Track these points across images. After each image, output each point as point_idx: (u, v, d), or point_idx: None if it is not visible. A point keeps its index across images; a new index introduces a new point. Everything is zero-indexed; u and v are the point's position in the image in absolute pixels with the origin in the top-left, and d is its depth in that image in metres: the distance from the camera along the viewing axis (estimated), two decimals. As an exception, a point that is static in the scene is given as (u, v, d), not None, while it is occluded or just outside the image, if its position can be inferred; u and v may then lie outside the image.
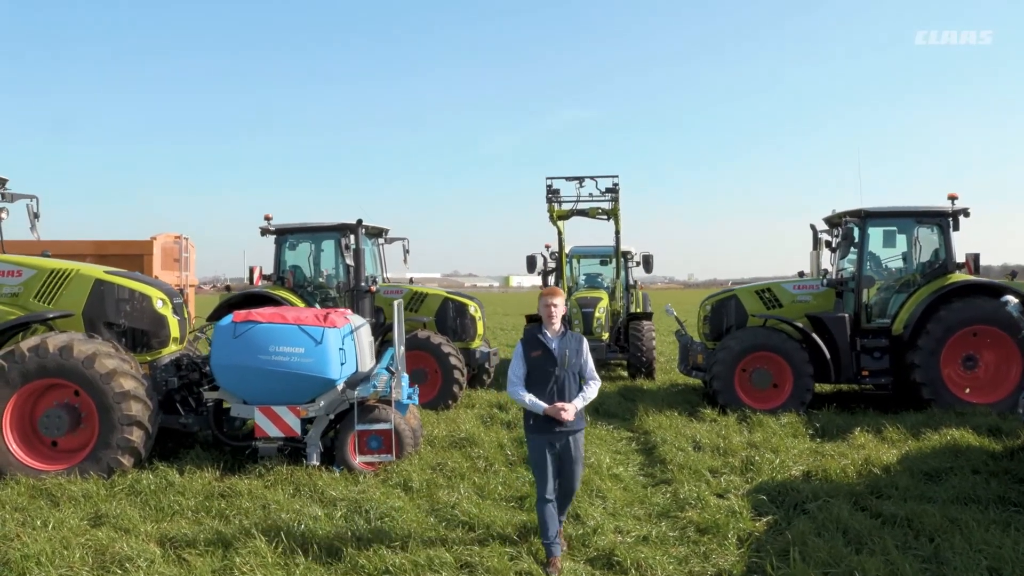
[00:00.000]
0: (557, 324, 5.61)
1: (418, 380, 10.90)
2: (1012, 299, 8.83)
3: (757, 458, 8.32)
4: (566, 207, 14.70)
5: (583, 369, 5.66)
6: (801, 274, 13.22)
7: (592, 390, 5.67)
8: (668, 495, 7.31)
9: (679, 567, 5.54)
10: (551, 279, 18.42)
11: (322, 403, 8.16)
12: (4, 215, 9.14)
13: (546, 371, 5.50)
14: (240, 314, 8.26)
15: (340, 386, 8.18)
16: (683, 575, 5.46)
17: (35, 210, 9.44)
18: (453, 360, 12.20)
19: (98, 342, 8.16)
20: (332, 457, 8.24)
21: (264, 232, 13.29)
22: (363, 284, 12.63)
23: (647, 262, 17.64)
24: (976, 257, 11.58)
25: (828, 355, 11.38)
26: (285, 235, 13.32)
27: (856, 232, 11.67)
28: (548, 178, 14.45)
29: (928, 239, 11.99)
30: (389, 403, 8.28)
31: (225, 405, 8.63)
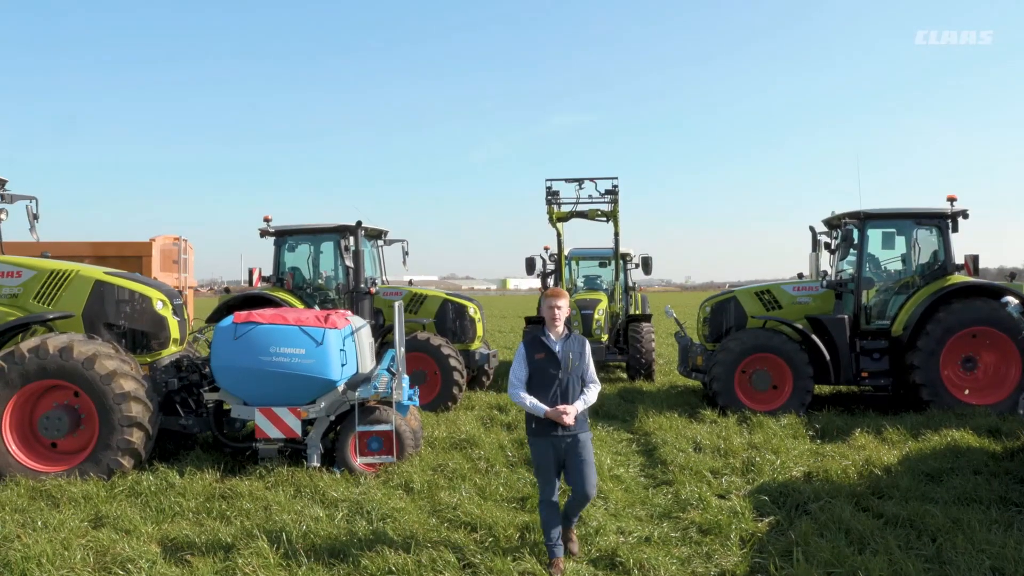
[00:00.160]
0: (561, 326, 5.53)
1: (418, 382, 10.90)
2: (1012, 300, 8.86)
3: (758, 459, 8.32)
4: (565, 209, 14.70)
5: (585, 372, 5.57)
6: (800, 276, 13.24)
7: (592, 393, 5.57)
8: (669, 496, 7.30)
9: (682, 567, 5.54)
10: (550, 281, 18.42)
11: (323, 404, 8.15)
12: (3, 216, 9.13)
13: (549, 374, 5.42)
14: (241, 315, 8.24)
15: (341, 387, 8.17)
16: (686, 575, 5.46)
17: (34, 211, 9.42)
18: (453, 362, 12.20)
19: (98, 343, 8.14)
20: (332, 458, 8.23)
21: (263, 234, 13.28)
22: (363, 286, 12.63)
23: (646, 264, 17.65)
24: (975, 259, 11.60)
25: (828, 357, 11.40)
26: (284, 237, 13.31)
27: (855, 234, 11.69)
28: (548, 180, 14.46)
29: (927, 241, 12.03)
30: (390, 404, 8.27)
31: (225, 406, 8.62)
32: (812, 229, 13.25)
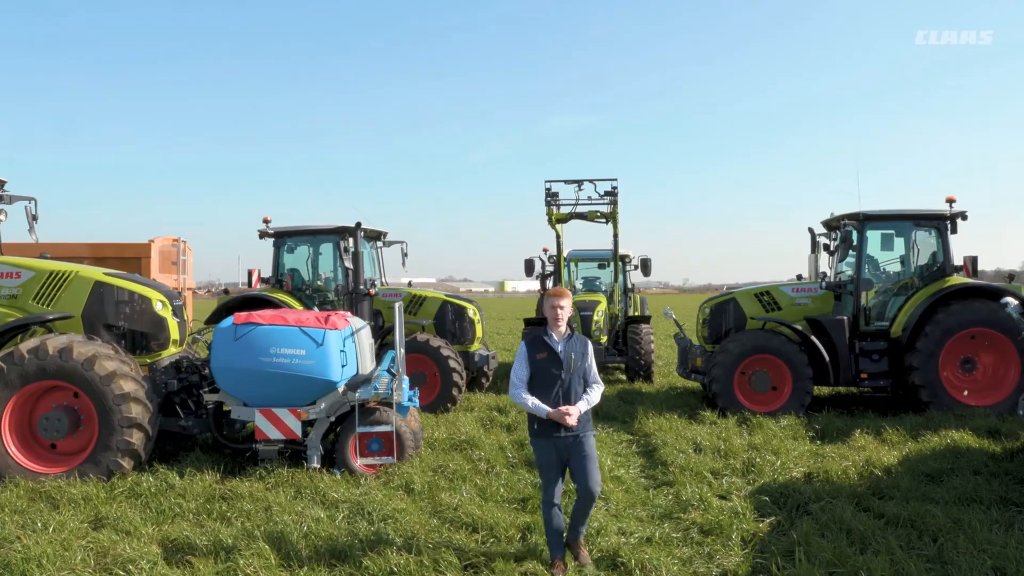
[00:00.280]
0: (563, 326, 5.48)
1: (417, 383, 10.88)
2: (1012, 301, 8.87)
3: (758, 460, 8.33)
4: (565, 210, 14.71)
5: (587, 373, 5.51)
6: (799, 277, 13.26)
7: (595, 394, 5.51)
8: (670, 497, 7.30)
9: (683, 568, 5.53)
10: (549, 283, 18.42)
11: (323, 405, 8.14)
12: (3, 217, 9.12)
13: (551, 374, 5.37)
14: (241, 316, 8.23)
15: (341, 388, 8.16)
16: (687, 575, 5.45)
17: (33, 212, 9.40)
18: (452, 363, 12.19)
19: (98, 344, 8.12)
20: (332, 460, 8.21)
21: (262, 235, 13.27)
22: (362, 287, 12.63)
23: (645, 266, 17.66)
24: (974, 260, 11.63)
25: (827, 358, 11.41)
26: (283, 238, 13.30)
27: (854, 235, 11.71)
28: (547, 181, 14.48)
29: (926, 242, 12.05)
30: (390, 405, 8.26)
31: (225, 407, 8.61)
32: (811, 231, 13.27)
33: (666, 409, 11.66)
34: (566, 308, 5.48)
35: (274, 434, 8.11)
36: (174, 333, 8.99)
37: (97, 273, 8.82)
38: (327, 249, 13.51)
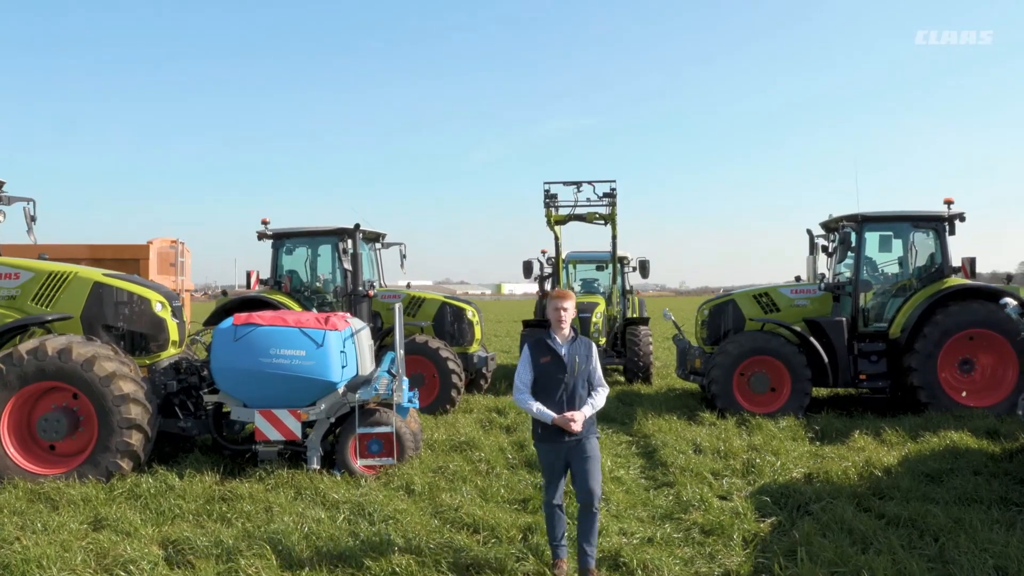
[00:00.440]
0: (567, 329, 5.37)
1: (416, 384, 10.87)
2: (1011, 302, 8.89)
3: (758, 461, 8.34)
4: (563, 212, 14.71)
5: (591, 376, 5.41)
6: (798, 279, 13.28)
7: (600, 397, 5.41)
8: (671, 497, 7.30)
9: (685, 568, 5.53)
10: (547, 285, 18.42)
11: (323, 406, 8.13)
12: (1, 218, 9.09)
13: (555, 378, 5.27)
14: (241, 317, 8.22)
15: (341, 389, 8.14)
16: (689, 575, 5.45)
17: (32, 213, 9.40)
18: (451, 364, 12.19)
19: (97, 345, 8.11)
20: (332, 461, 8.20)
21: (261, 236, 13.26)
22: (361, 288, 12.62)
23: (643, 267, 17.67)
24: (972, 261, 11.65)
25: (826, 359, 11.43)
26: (282, 240, 13.29)
27: (853, 237, 11.73)
28: (546, 182, 14.48)
29: (924, 243, 12.08)
30: (390, 406, 8.25)
31: (225, 408, 8.59)
32: (809, 232, 13.29)
33: (665, 410, 11.66)
34: (570, 310, 5.37)
35: (274, 435, 8.10)
36: (173, 334, 8.97)
37: (96, 274, 8.81)
38: (326, 251, 13.51)
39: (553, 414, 5.20)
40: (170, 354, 9.02)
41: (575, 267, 18.87)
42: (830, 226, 12.75)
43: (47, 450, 8.04)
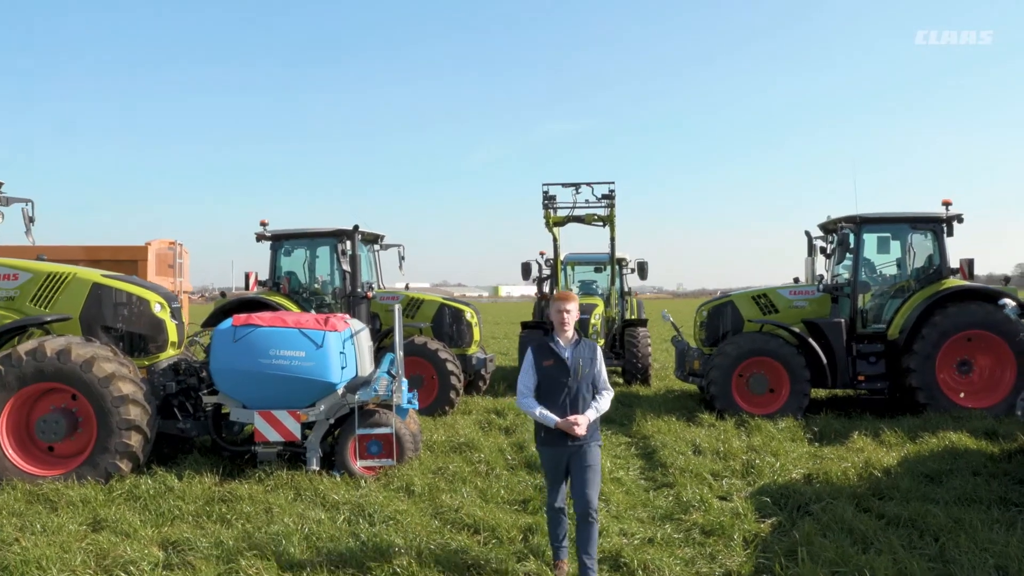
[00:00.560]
0: (570, 331, 5.29)
1: (415, 386, 10.86)
2: (1010, 302, 8.92)
3: (758, 461, 8.34)
4: (562, 213, 14.71)
5: (596, 379, 5.31)
6: (796, 280, 13.31)
7: (605, 401, 5.33)
8: (670, 498, 7.30)
9: (686, 568, 5.53)
10: (546, 286, 18.42)
11: (322, 407, 8.12)
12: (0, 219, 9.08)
13: (558, 381, 5.18)
14: (240, 318, 8.21)
15: (340, 390, 8.13)
16: (690, 575, 5.46)
17: (30, 214, 9.37)
18: (450, 366, 12.18)
19: (96, 346, 8.09)
20: (331, 462, 8.19)
21: (260, 238, 13.24)
22: (359, 290, 12.61)
23: (642, 269, 17.66)
24: (970, 262, 11.68)
25: (824, 360, 11.44)
26: (281, 241, 13.28)
27: (851, 238, 11.75)
28: (545, 184, 14.48)
29: (922, 245, 12.10)
30: (389, 408, 8.24)
31: (224, 410, 8.58)
32: (808, 234, 13.33)
33: (664, 412, 11.67)
34: (573, 312, 5.28)
35: (273, 436, 8.09)
36: (172, 335, 8.96)
37: (95, 275, 8.79)
38: (324, 252, 13.49)
39: (556, 418, 5.12)
40: (169, 355, 9.00)
41: (573, 269, 18.88)
42: (828, 227, 12.78)
43: (46, 451, 8.02)
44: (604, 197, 14.48)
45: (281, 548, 5.74)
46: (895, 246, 12.30)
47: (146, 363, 8.74)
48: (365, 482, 7.66)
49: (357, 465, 8.04)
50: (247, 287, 12.96)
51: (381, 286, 14.32)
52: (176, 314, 9.17)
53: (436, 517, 6.63)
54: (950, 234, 11.75)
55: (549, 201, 14.58)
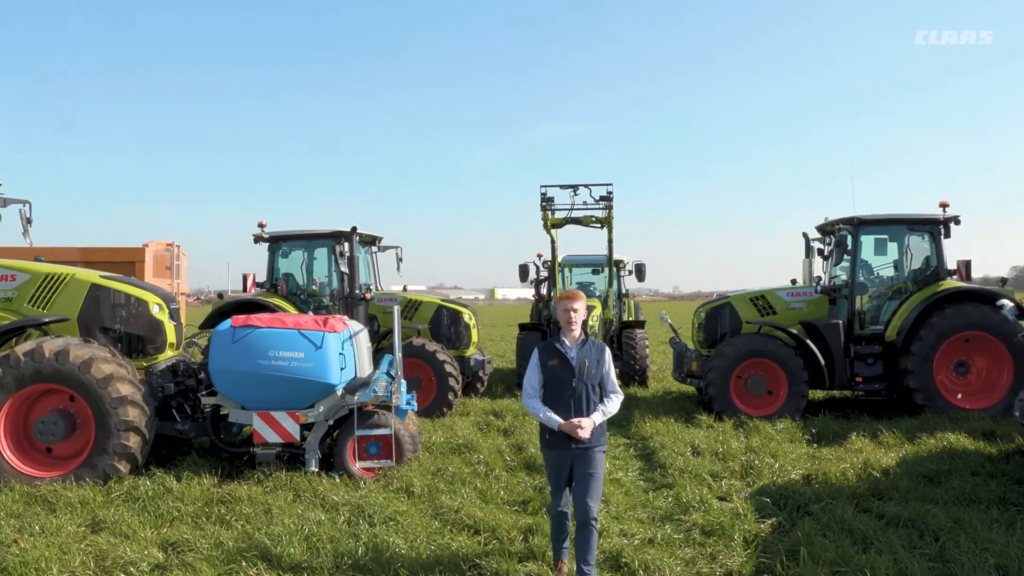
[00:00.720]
0: (577, 330, 5.17)
1: (413, 387, 10.84)
2: (1008, 303, 8.94)
3: (757, 462, 8.35)
4: (560, 215, 14.70)
5: (604, 381, 5.20)
6: (794, 282, 13.34)
7: (613, 404, 5.18)
8: (670, 499, 7.31)
9: (687, 568, 5.54)
10: (543, 288, 18.42)
11: (321, 408, 8.11)
12: (-3, 220, 9.07)
13: (563, 382, 5.08)
14: (239, 319, 8.19)
15: (339, 391, 8.13)
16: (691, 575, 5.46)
17: (28, 215, 9.38)
18: (448, 368, 12.18)
19: (95, 347, 8.07)
20: (330, 464, 8.17)
21: (258, 239, 13.22)
22: (357, 291, 12.60)
23: (639, 271, 17.67)
24: (968, 264, 11.71)
25: (822, 362, 11.46)
26: (279, 243, 13.26)
27: (849, 240, 11.78)
28: (542, 186, 14.45)
29: (920, 246, 12.13)
30: (388, 409, 8.24)
31: (223, 411, 8.56)
32: (805, 235, 13.36)
33: (662, 413, 11.67)
34: (580, 311, 5.18)
35: (272, 437, 8.07)
36: (171, 336, 8.94)
37: (93, 276, 8.77)
38: (322, 254, 13.47)
39: (560, 419, 5.03)
40: (167, 356, 8.98)
41: (571, 271, 18.88)
42: (826, 229, 12.81)
43: (43, 453, 8.00)
44: (602, 199, 14.47)
45: (281, 549, 5.73)
46: (892, 248, 12.33)
47: (144, 364, 8.72)
48: (364, 483, 7.65)
49: (356, 466, 8.03)
50: (245, 289, 12.94)
51: (379, 288, 14.32)
52: (174, 315, 9.16)
53: (436, 518, 6.62)
54: (947, 236, 11.79)
55: (547, 203, 14.55)
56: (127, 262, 14.39)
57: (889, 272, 12.43)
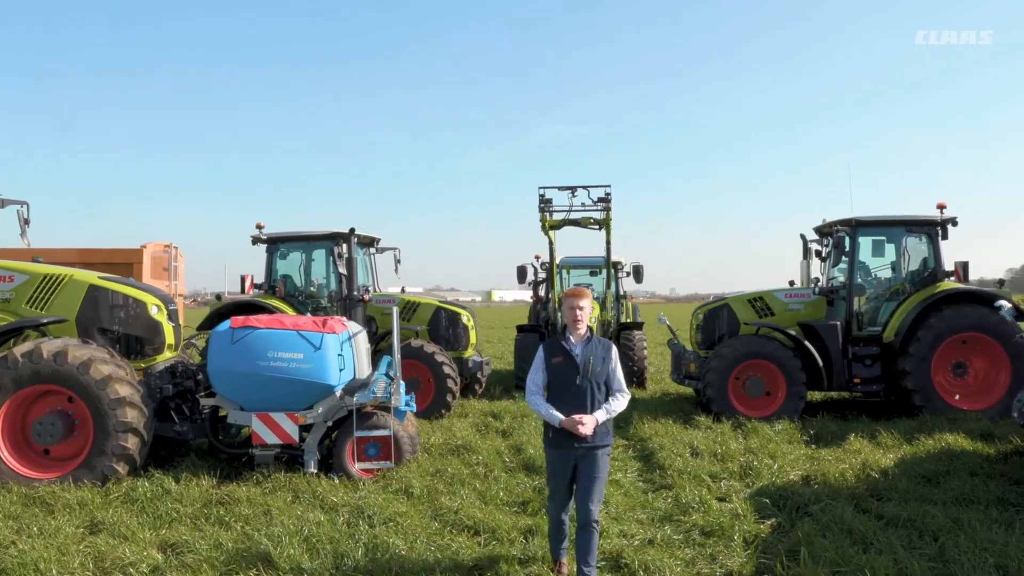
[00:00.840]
0: (583, 328, 5.13)
1: (411, 389, 10.85)
2: (1006, 304, 8.95)
3: (755, 463, 8.36)
4: (558, 216, 14.70)
5: (610, 379, 5.13)
6: (791, 283, 13.36)
7: (618, 403, 5.11)
8: (669, 500, 7.31)
9: (687, 569, 5.54)
10: (541, 290, 18.44)
11: (320, 410, 8.10)
12: (-5, 220, 9.05)
13: (567, 380, 5.04)
14: (238, 320, 8.18)
15: (339, 392, 8.12)
16: (692, 576, 5.46)
17: (25, 216, 9.36)
18: (446, 369, 12.17)
19: (93, 348, 8.05)
20: (329, 465, 8.16)
21: (255, 241, 13.21)
22: (355, 293, 12.59)
23: (637, 272, 17.68)
24: (965, 265, 11.74)
25: (820, 363, 11.48)
26: (277, 244, 13.25)
27: (847, 241, 11.80)
28: (541, 187, 14.46)
29: (917, 248, 12.16)
30: (387, 410, 8.23)
31: (221, 412, 8.54)
32: (803, 237, 13.39)
33: (661, 414, 11.68)
34: (586, 309, 5.13)
35: (271, 439, 8.06)
36: (169, 337, 8.93)
37: (92, 277, 8.75)
38: (320, 255, 13.46)
39: (561, 416, 4.98)
40: (166, 358, 8.96)
41: (569, 272, 18.90)
42: (824, 231, 12.83)
43: (41, 454, 7.97)
44: (600, 200, 14.47)
45: (280, 550, 5.71)
46: (890, 249, 12.36)
47: (143, 365, 8.71)
48: (364, 484, 7.64)
49: (355, 467, 8.02)
50: (242, 290, 12.93)
51: (377, 289, 14.31)
52: (173, 316, 9.14)
53: (436, 519, 6.61)
54: (944, 237, 11.83)
55: (545, 204, 14.55)
56: (125, 263, 14.35)
57: (887, 273, 12.46)
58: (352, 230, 12.87)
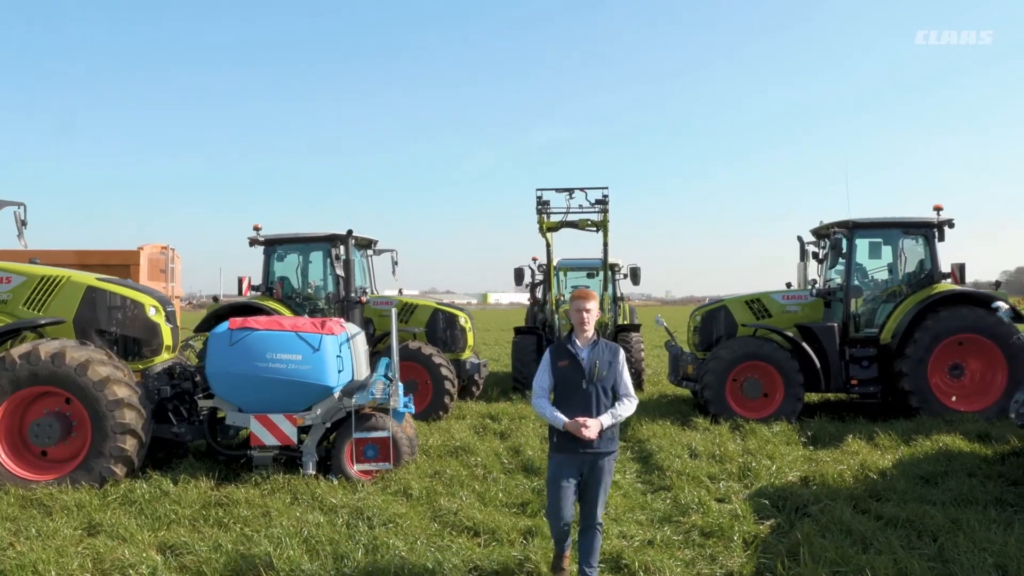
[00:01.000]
0: (590, 331, 5.05)
1: (409, 391, 10.82)
2: (1003, 305, 8.99)
3: (754, 464, 8.37)
4: (555, 218, 14.70)
5: (617, 384, 5.04)
6: (788, 285, 13.38)
7: (625, 408, 5.01)
8: (668, 501, 7.31)
9: (687, 569, 5.54)
10: (538, 292, 18.46)
11: (319, 411, 8.09)
12: (-8, 222, 9.03)
13: (573, 383, 4.95)
14: (236, 321, 8.17)
15: (337, 394, 8.11)
16: (692, 577, 5.46)
17: (22, 217, 9.35)
18: (444, 371, 12.17)
19: (91, 349, 8.03)
20: (327, 466, 8.15)
21: (253, 242, 13.20)
22: (353, 295, 12.58)
23: (634, 274, 17.72)
24: (961, 267, 11.78)
25: (818, 364, 11.50)
26: (274, 246, 13.24)
27: (844, 243, 11.84)
28: (538, 189, 14.47)
29: (914, 250, 12.20)
30: (385, 411, 8.22)
31: (220, 414, 8.52)
32: (800, 239, 13.42)
33: (659, 416, 11.69)
34: (593, 311, 5.05)
35: (270, 440, 8.05)
36: (167, 339, 8.91)
37: (89, 278, 8.73)
38: (317, 257, 13.46)
39: (565, 419, 4.90)
40: (164, 359, 8.95)
41: (566, 274, 18.91)
42: (821, 233, 12.86)
43: (39, 456, 7.95)
44: (598, 202, 14.48)
45: (280, 551, 5.70)
46: (887, 251, 12.39)
47: (141, 367, 8.69)
48: (363, 486, 7.63)
49: (354, 469, 8.01)
50: (240, 292, 12.91)
51: (374, 291, 14.30)
52: (171, 318, 9.12)
53: (435, 520, 6.61)
54: (941, 239, 11.87)
55: (543, 206, 14.56)
56: (122, 265, 14.31)
57: (883, 275, 12.50)
58: (350, 232, 12.87)
